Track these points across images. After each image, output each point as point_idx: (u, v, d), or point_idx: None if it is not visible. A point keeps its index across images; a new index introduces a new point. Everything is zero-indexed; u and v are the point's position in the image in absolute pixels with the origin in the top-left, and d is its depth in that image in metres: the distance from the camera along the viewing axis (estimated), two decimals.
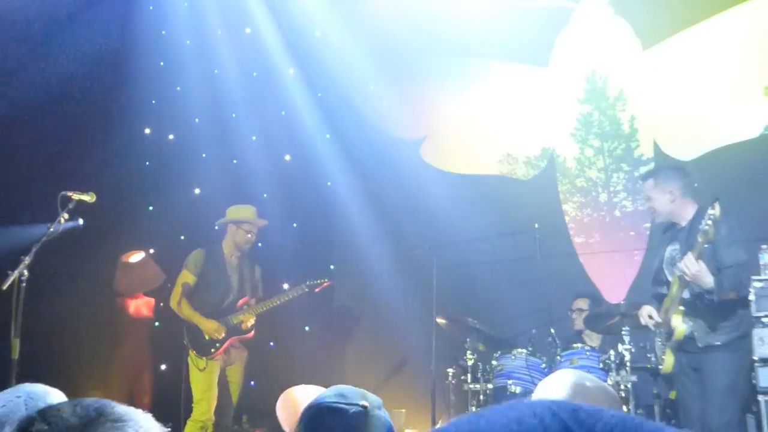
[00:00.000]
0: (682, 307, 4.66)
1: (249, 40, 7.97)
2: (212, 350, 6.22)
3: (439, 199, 7.77)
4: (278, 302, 6.40)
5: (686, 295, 4.67)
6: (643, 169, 7.10)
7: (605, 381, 5.18)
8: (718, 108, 6.76)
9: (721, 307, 4.57)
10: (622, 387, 5.18)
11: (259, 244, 7.38)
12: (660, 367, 4.86)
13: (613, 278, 7.00)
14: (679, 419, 4.97)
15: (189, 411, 6.19)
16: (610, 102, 7.29)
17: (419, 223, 7.69)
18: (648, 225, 6.98)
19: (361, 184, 8.29)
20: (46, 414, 1.13)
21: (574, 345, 5.59)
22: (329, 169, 8.50)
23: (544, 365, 5.58)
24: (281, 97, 8.04)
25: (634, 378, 5.11)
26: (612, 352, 5.26)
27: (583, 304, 6.45)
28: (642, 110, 7.15)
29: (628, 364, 5.11)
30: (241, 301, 6.44)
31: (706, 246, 4.35)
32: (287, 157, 8.24)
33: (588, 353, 5.40)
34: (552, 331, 5.83)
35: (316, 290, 6.48)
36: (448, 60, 8.11)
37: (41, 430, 1.11)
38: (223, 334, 6.25)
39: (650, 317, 4.84)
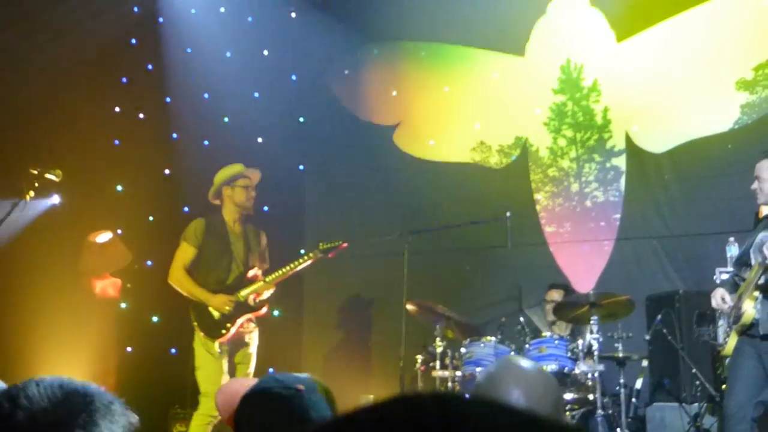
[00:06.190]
0: (756, 293, 4.61)
1: (223, 19, 7.86)
2: (223, 331, 5.54)
3: (411, 186, 7.76)
4: (291, 271, 5.73)
5: (761, 281, 4.59)
6: (614, 161, 7.16)
7: (572, 370, 5.24)
8: (690, 101, 6.83)
9: None
10: (590, 376, 5.22)
11: None
12: (720, 348, 4.82)
13: (582, 268, 7.05)
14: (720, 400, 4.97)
15: (190, 400, 5.68)
16: (584, 93, 7.32)
17: (391, 209, 7.68)
18: (618, 216, 7.04)
19: (333, 169, 8.24)
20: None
21: (543, 333, 5.61)
22: (302, 152, 8.44)
23: (512, 353, 5.59)
24: (254, 79, 7.95)
25: (601, 367, 5.14)
26: (580, 341, 5.30)
27: (557, 295, 6.38)
28: (615, 102, 7.19)
29: (595, 353, 5.15)
30: (250, 274, 5.77)
31: None
32: (259, 140, 8.16)
33: (556, 342, 5.41)
34: (521, 319, 5.85)
35: (330, 255, 5.86)
36: (422, 46, 8.07)
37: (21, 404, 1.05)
38: (232, 308, 5.55)
39: (723, 300, 4.78)
